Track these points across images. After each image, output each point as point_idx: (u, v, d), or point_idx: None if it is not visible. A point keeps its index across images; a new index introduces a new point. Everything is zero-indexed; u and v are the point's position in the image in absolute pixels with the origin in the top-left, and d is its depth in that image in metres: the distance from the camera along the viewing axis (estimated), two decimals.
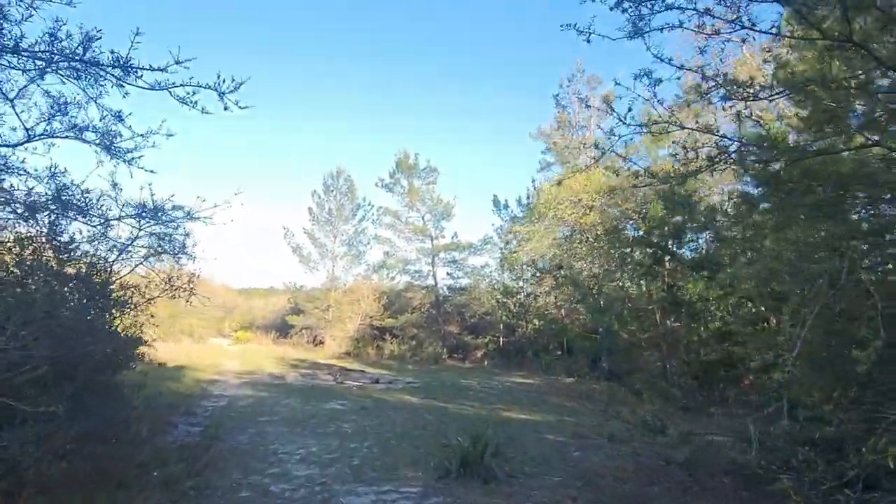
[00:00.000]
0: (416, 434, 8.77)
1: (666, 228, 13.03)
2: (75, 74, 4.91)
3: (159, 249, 7.90)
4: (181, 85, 4.74)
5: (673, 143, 6.36)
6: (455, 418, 10.44)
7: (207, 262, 8.74)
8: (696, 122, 6.73)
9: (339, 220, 32.36)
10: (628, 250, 14.92)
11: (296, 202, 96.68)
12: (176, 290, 7.76)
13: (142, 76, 4.73)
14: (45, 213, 6.01)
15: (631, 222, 14.97)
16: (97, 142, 5.65)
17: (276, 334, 34.70)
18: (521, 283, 28.47)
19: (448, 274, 32.10)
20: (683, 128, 6.10)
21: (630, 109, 5.80)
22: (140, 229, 7.43)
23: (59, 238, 6.25)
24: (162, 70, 4.60)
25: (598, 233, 15.69)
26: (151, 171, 5.86)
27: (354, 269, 32.94)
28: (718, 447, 8.05)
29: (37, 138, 5.38)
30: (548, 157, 31.49)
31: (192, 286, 7.79)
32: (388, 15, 73.15)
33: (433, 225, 31.22)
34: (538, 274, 25.71)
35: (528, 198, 25.12)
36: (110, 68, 4.75)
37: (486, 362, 26.64)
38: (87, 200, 6.26)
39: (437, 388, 16.14)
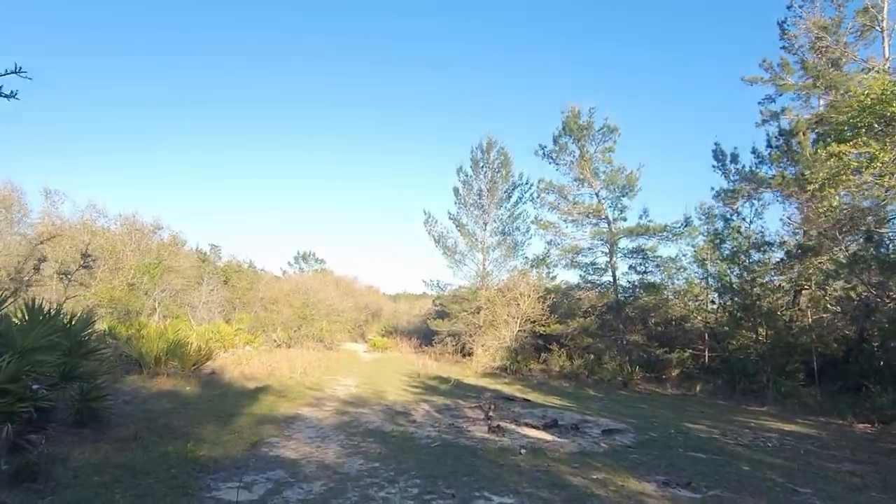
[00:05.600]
0: None
1: None
2: None
3: None
4: None
5: None
6: None
7: None
8: None
9: (490, 202, 26.21)
10: None
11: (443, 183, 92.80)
12: None
13: None
14: None
15: None
16: None
17: (419, 342, 29.41)
18: (743, 276, 19.95)
19: (631, 267, 24.40)
20: None
21: None
22: None
23: None
24: None
25: None
26: None
27: (510, 262, 26.57)
28: None
29: None
30: (771, 107, 22.82)
31: None
32: None
33: (610, 204, 23.85)
34: (792, 255, 17.19)
35: (769, 145, 16.77)
36: None
37: (698, 388, 18.71)
38: None
39: (666, 445, 9.05)
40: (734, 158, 17.46)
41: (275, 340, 24.32)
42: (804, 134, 13.02)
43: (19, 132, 67.31)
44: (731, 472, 7.50)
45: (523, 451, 7.68)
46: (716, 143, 17.83)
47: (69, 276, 10.25)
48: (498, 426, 9.84)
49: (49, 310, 7.01)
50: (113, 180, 73.72)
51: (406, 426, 9.32)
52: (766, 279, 19.76)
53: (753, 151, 16.98)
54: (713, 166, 18.02)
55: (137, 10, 79.52)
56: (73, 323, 7.14)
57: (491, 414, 11.20)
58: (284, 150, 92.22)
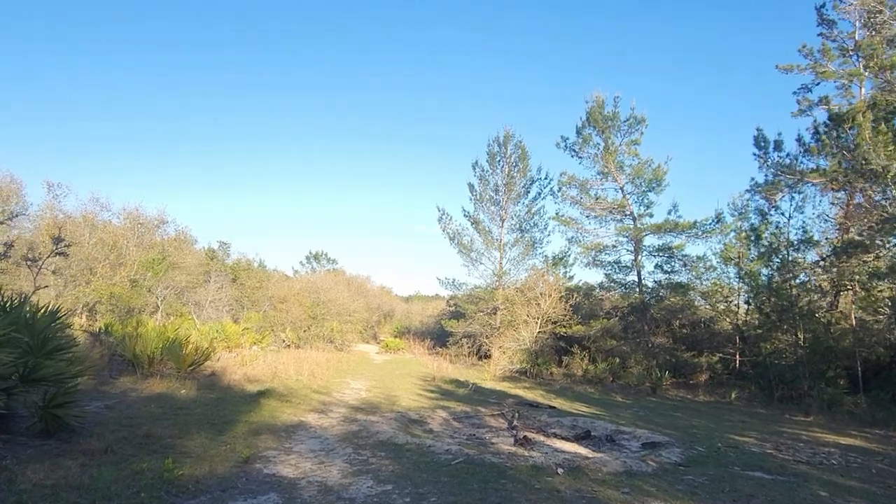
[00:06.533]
0: None
1: None
2: None
3: None
4: None
5: None
6: None
7: None
8: None
9: (507, 198, 25.05)
10: None
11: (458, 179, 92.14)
12: None
13: None
14: None
15: None
16: None
17: (432, 343, 28.31)
18: (780, 275, 18.60)
19: (657, 266, 23.18)
20: None
21: None
22: None
23: None
24: None
25: None
26: None
27: (528, 260, 25.38)
28: None
29: None
30: (808, 96, 21.68)
31: None
32: None
33: (636, 199, 22.66)
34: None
35: (817, 132, 15.36)
36: None
37: (733, 395, 17.45)
38: None
39: (720, 463, 7.88)
40: (777, 146, 16.09)
41: (283, 341, 23.39)
42: (864, 116, 11.78)
43: (38, 130, 67.29)
44: (807, 498, 6.34)
45: (560, 470, 6.56)
46: (758, 129, 16.51)
47: (38, 263, 9.28)
48: (525, 438, 8.74)
49: (11, 301, 6.03)
50: (123, 180, 73.53)
51: (422, 437, 8.24)
52: (805, 278, 18.48)
53: (798, 139, 15.67)
54: (754, 154, 16.67)
55: (158, 3, 79.45)
56: (37, 316, 6.14)
57: (515, 423, 10.10)
58: (298, 149, 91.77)
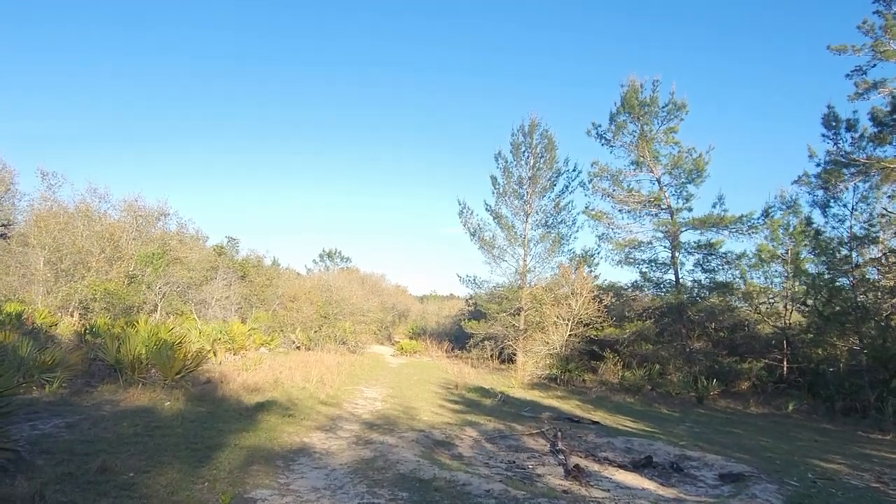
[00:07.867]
0: None
1: None
2: None
3: None
4: None
5: None
6: None
7: None
8: None
9: (532, 191, 23.35)
10: None
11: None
12: None
13: None
14: None
15: None
16: None
17: (451, 345, 26.73)
18: (839, 273, 16.75)
19: (697, 264, 21.38)
20: None
21: None
22: None
23: None
24: None
25: None
26: None
27: (554, 258, 23.63)
28: None
29: None
30: (866, 79, 19.71)
31: None
32: None
33: (674, 191, 20.89)
34: None
35: (894, 110, 13.51)
36: None
37: (790, 406, 15.64)
38: None
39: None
40: (851, 126, 14.16)
41: (293, 342, 21.95)
42: None
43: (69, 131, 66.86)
44: None
45: None
46: (829, 107, 14.44)
47: None
48: (577, 468, 7.11)
49: None
50: (135, 177, 72.96)
51: (452, 468, 6.63)
52: (868, 277, 16.66)
53: (872, 117, 13.81)
54: (823, 136, 14.70)
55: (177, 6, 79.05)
56: None
57: (560, 446, 8.47)
58: (313, 147, 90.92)
